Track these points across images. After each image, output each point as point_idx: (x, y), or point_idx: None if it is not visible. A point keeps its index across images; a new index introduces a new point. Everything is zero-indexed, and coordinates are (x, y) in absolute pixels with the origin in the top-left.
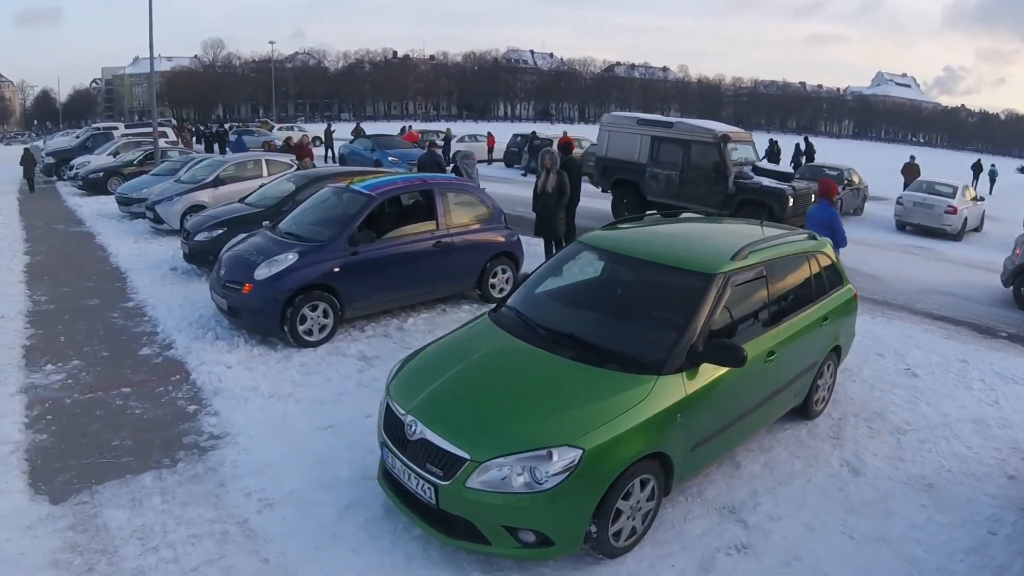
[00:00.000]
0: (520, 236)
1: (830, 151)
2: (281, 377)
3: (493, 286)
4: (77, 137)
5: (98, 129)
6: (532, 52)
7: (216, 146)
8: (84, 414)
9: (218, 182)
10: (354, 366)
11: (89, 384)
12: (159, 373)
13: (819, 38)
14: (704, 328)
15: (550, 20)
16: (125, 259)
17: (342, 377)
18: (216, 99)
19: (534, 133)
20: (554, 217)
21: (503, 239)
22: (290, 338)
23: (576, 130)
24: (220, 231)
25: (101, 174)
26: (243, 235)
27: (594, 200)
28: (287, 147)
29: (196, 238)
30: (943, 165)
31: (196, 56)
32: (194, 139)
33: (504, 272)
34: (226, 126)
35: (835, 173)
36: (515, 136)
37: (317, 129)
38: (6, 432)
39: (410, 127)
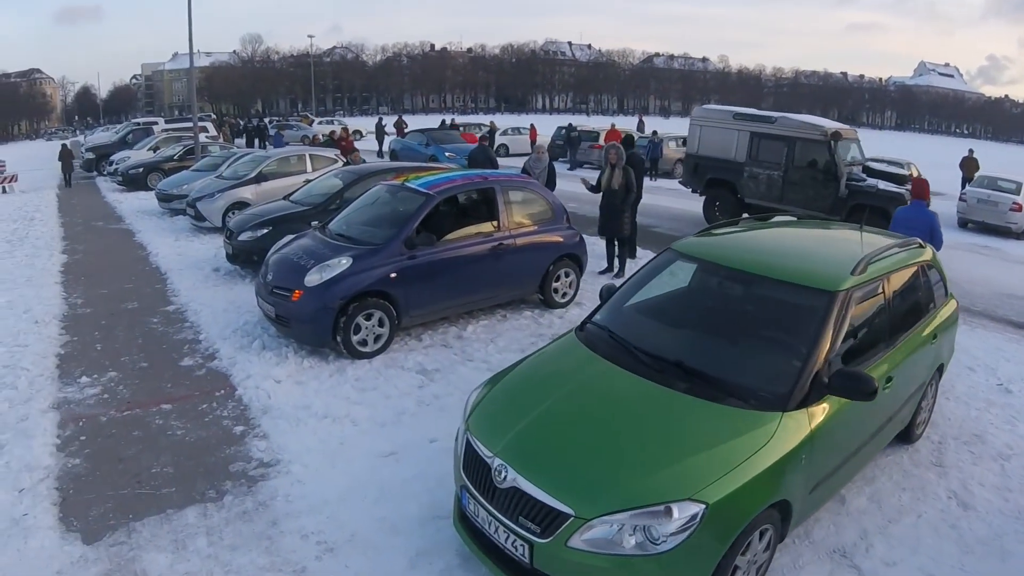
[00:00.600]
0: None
1: (874, 143)
2: (335, 394)
3: (556, 290)
4: (117, 132)
5: (138, 124)
6: (570, 44)
7: (257, 141)
8: (121, 434)
9: (261, 178)
10: (413, 381)
11: (126, 399)
12: (202, 387)
13: (859, 27)
14: (828, 355)
15: (588, 10)
16: (165, 258)
17: (401, 394)
18: (254, 94)
19: (571, 125)
20: (620, 216)
21: (567, 240)
22: (343, 349)
23: (616, 122)
24: (265, 231)
25: (141, 170)
26: (291, 236)
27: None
28: (332, 142)
29: (240, 238)
30: (994, 157)
31: (235, 51)
32: (234, 134)
33: (567, 275)
34: (265, 120)
35: (894, 168)
36: (559, 129)
37: (356, 123)
38: (37, 456)
39: (452, 120)
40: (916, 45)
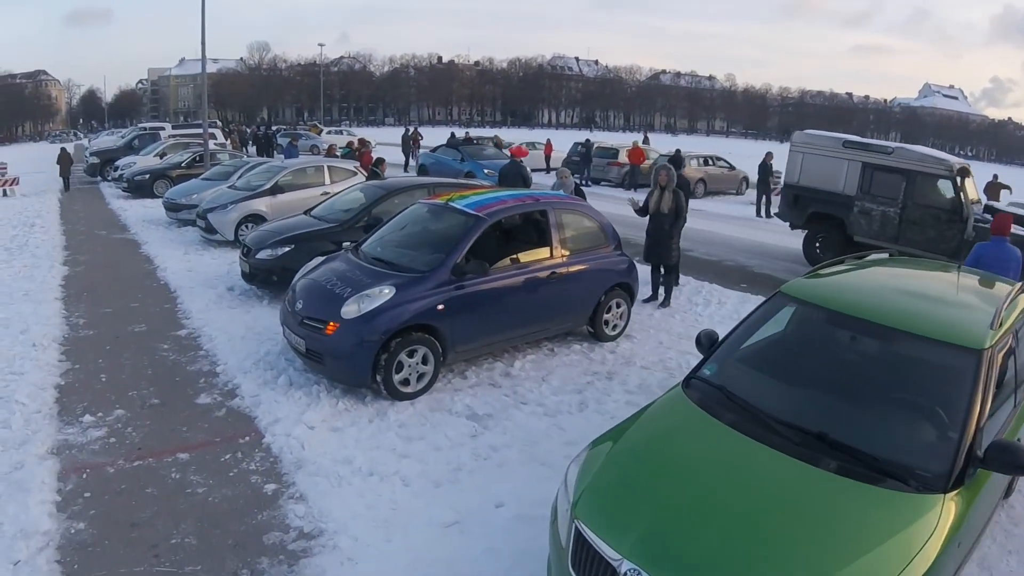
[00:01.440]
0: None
1: None
2: (378, 444)
3: (607, 322)
4: (123, 137)
5: (144, 129)
6: (577, 59)
7: (264, 149)
8: (132, 491)
9: (276, 190)
10: (464, 428)
11: (136, 445)
12: (223, 432)
13: (865, 48)
14: (980, 424)
15: (596, 26)
16: (175, 274)
17: (452, 444)
18: (260, 102)
19: (587, 140)
20: (668, 241)
21: (620, 267)
22: (383, 389)
23: (624, 139)
24: (286, 249)
25: (147, 176)
26: (320, 259)
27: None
28: (351, 153)
29: (259, 256)
30: (1011, 180)
31: (242, 58)
32: (241, 141)
33: (619, 306)
34: (273, 128)
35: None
36: (575, 144)
37: (366, 134)
38: (35, 518)
39: (467, 133)
40: (921, 67)
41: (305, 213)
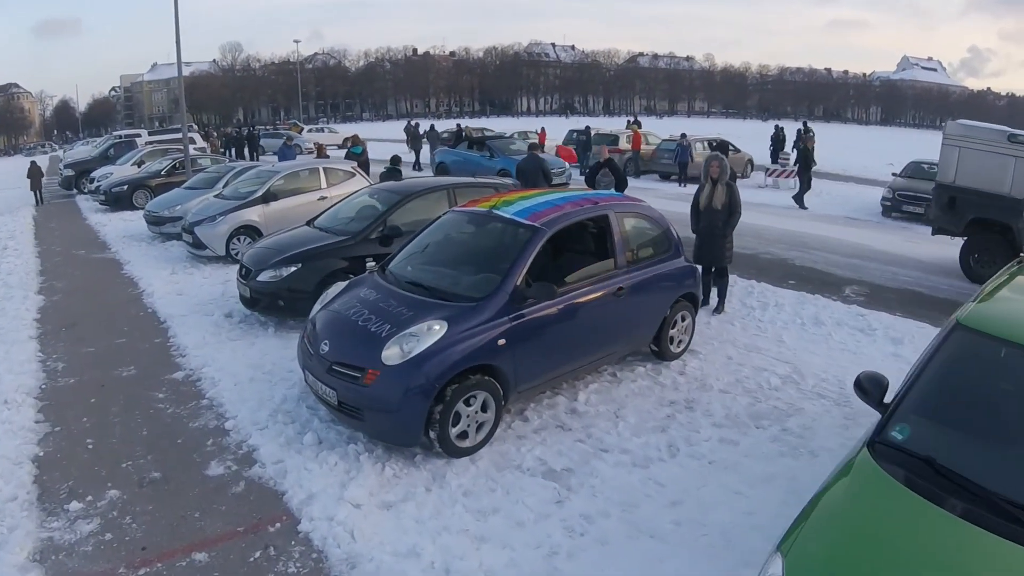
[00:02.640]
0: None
1: (862, 139)
2: (445, 523)
3: (672, 339)
4: (97, 147)
5: (120, 137)
6: (553, 45)
7: (247, 151)
8: None
9: (269, 197)
10: (544, 491)
11: (140, 543)
12: (247, 517)
13: (842, 23)
14: None
15: (571, 12)
16: (163, 299)
17: (537, 515)
18: (235, 103)
19: (587, 128)
20: (722, 241)
21: (686, 275)
22: (437, 446)
23: (601, 123)
24: (292, 269)
25: (125, 187)
26: (341, 286)
27: None
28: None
29: (261, 278)
30: None
31: (214, 60)
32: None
33: (684, 320)
34: (255, 128)
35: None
36: (571, 132)
37: (349, 131)
38: None
39: (458, 125)
40: (898, 40)
41: (308, 224)
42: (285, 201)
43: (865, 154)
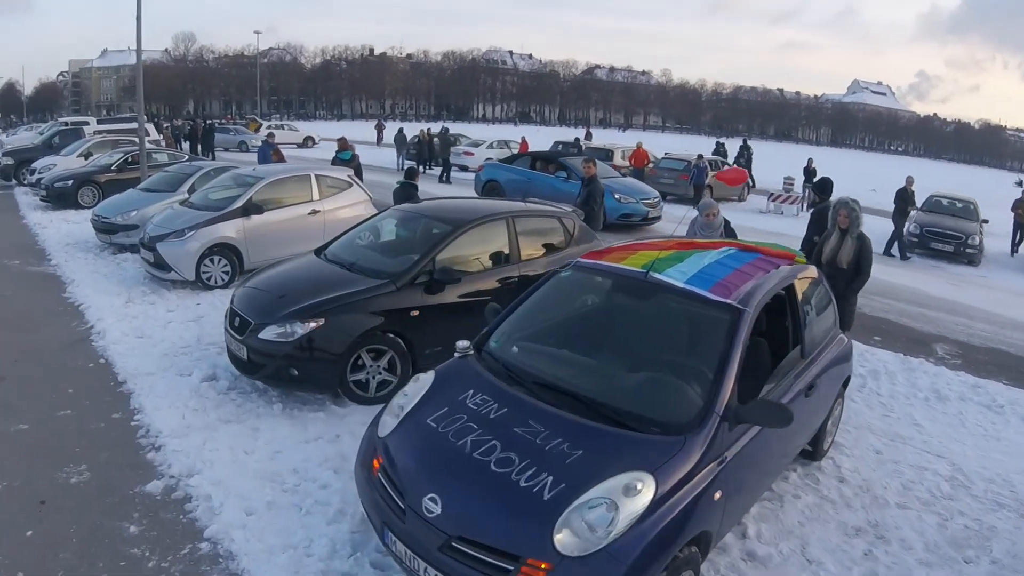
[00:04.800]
0: None
1: (827, 162)
2: None
3: (828, 433)
4: (41, 133)
5: (66, 124)
6: (511, 53)
7: (200, 147)
8: None
9: (251, 208)
10: None
11: None
12: None
13: (794, 45)
14: None
15: (530, 21)
16: (120, 343)
17: None
18: (187, 94)
19: (577, 140)
20: (844, 304)
21: (849, 355)
22: None
23: (559, 134)
24: (312, 325)
25: (70, 183)
26: (426, 381)
27: None
28: (353, 159)
29: (264, 335)
30: (965, 182)
31: (167, 50)
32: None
33: (838, 408)
34: (211, 121)
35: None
36: (556, 143)
37: (308, 128)
38: None
39: (427, 130)
40: (849, 63)
41: (318, 255)
42: (270, 215)
43: (847, 178)
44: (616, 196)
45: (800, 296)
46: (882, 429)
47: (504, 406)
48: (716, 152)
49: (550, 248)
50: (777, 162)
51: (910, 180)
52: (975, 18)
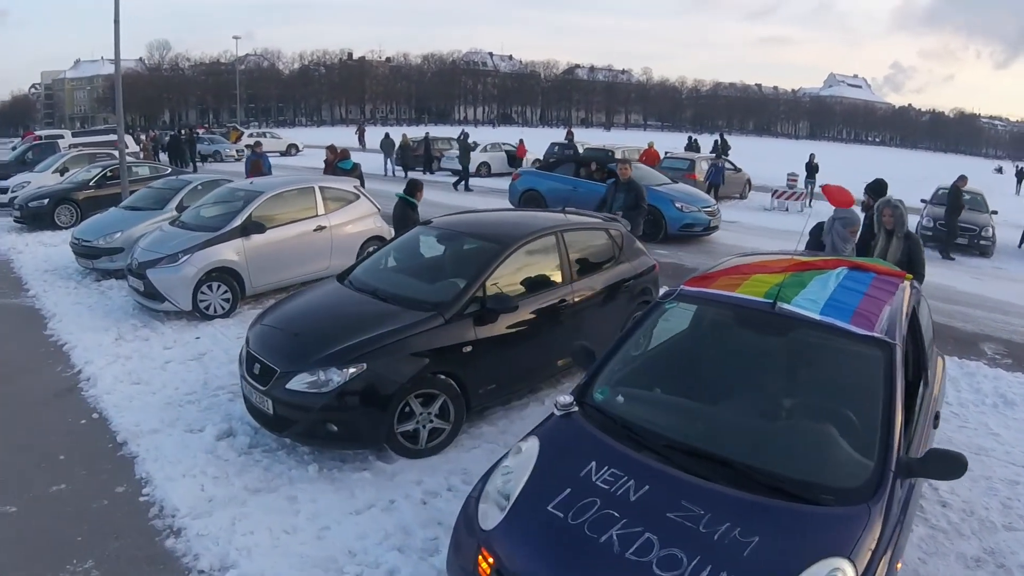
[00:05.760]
0: None
1: (799, 154)
2: None
3: None
4: (13, 148)
5: (39, 139)
6: (491, 54)
7: (184, 157)
8: None
9: (250, 227)
10: None
11: None
12: None
13: (771, 40)
14: None
15: (512, 20)
16: (114, 393)
17: None
18: (163, 103)
19: (569, 137)
20: None
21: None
22: None
23: (542, 135)
24: (351, 370)
25: (46, 201)
26: (531, 451)
27: None
28: (354, 168)
29: (293, 385)
30: (944, 170)
31: (141, 58)
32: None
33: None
34: (193, 130)
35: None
36: (553, 145)
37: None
38: None
39: (427, 134)
40: (824, 56)
41: (341, 281)
42: (272, 233)
43: (842, 173)
44: (677, 205)
45: (921, 319)
46: (963, 442)
47: (644, 482)
48: (688, 148)
49: (601, 264)
50: (757, 156)
51: (964, 179)
52: (949, 8)
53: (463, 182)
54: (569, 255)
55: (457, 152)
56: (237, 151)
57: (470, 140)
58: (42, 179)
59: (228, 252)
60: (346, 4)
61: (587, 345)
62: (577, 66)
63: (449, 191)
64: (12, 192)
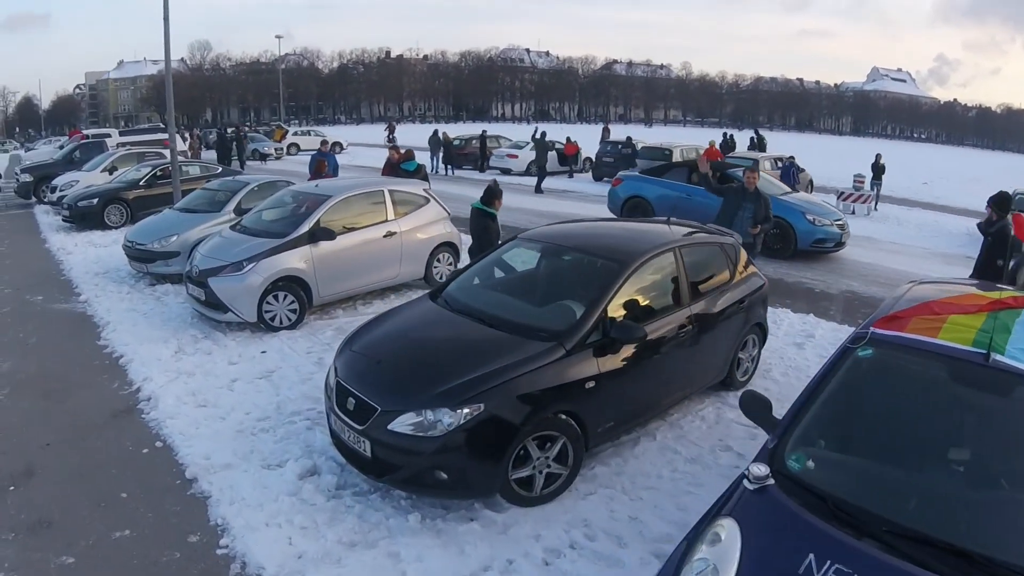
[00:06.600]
0: None
1: (848, 151)
2: None
3: None
4: (61, 147)
5: (86, 138)
6: (528, 51)
7: (230, 156)
8: None
9: (319, 234)
10: None
11: None
12: None
13: (811, 33)
14: None
15: (549, 17)
16: (178, 418)
17: None
18: (204, 103)
19: (628, 139)
20: None
21: None
22: None
23: (579, 131)
24: (465, 411)
25: (95, 201)
26: (733, 538)
27: None
28: (419, 170)
29: (396, 427)
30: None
31: (183, 59)
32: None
33: None
34: (241, 128)
35: None
36: (605, 144)
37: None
38: None
39: (484, 131)
40: (866, 49)
41: (434, 299)
42: (342, 240)
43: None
44: (809, 218)
45: None
46: None
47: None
48: (724, 145)
49: (718, 284)
50: (803, 153)
51: None
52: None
53: (539, 183)
54: (687, 274)
55: (509, 150)
56: (276, 149)
57: (547, 139)
58: (91, 178)
59: (295, 260)
60: (383, 3)
61: (760, 396)
62: (615, 61)
63: (522, 193)
64: (60, 191)
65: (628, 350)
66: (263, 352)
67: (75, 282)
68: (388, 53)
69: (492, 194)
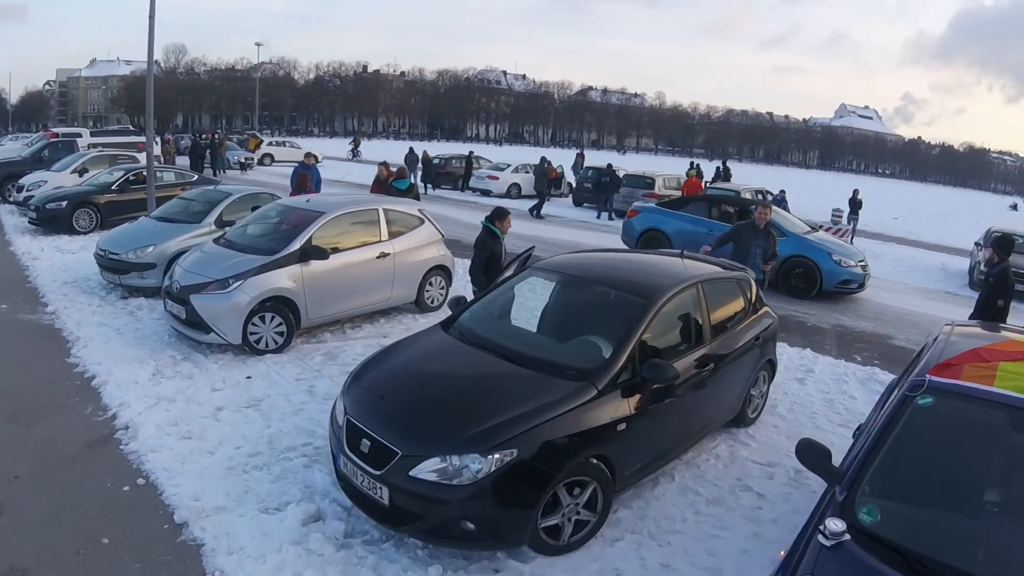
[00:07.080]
0: None
1: (817, 184)
2: None
3: None
4: (29, 144)
5: (55, 136)
6: (505, 73)
7: (202, 164)
8: None
9: (310, 252)
10: None
11: None
12: None
13: (782, 69)
14: None
15: (528, 41)
16: (160, 451)
17: None
18: (177, 107)
19: (609, 165)
20: None
21: None
22: None
23: (554, 155)
24: (495, 456)
25: (64, 203)
26: None
27: None
28: (411, 189)
29: (418, 474)
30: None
31: (158, 61)
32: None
33: None
34: (220, 135)
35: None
36: (586, 169)
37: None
38: None
39: (471, 152)
40: (836, 86)
41: (446, 329)
42: (334, 259)
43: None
44: (835, 258)
45: None
46: None
47: None
48: (716, 177)
49: (736, 321)
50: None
51: None
52: (961, 42)
53: (538, 208)
54: (708, 309)
55: (489, 171)
56: (247, 159)
57: (547, 165)
58: (60, 179)
59: (285, 279)
60: (363, 17)
61: (818, 444)
62: (590, 88)
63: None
64: (28, 191)
65: (656, 389)
66: (248, 377)
67: (41, 291)
68: (365, 67)
69: (499, 214)
